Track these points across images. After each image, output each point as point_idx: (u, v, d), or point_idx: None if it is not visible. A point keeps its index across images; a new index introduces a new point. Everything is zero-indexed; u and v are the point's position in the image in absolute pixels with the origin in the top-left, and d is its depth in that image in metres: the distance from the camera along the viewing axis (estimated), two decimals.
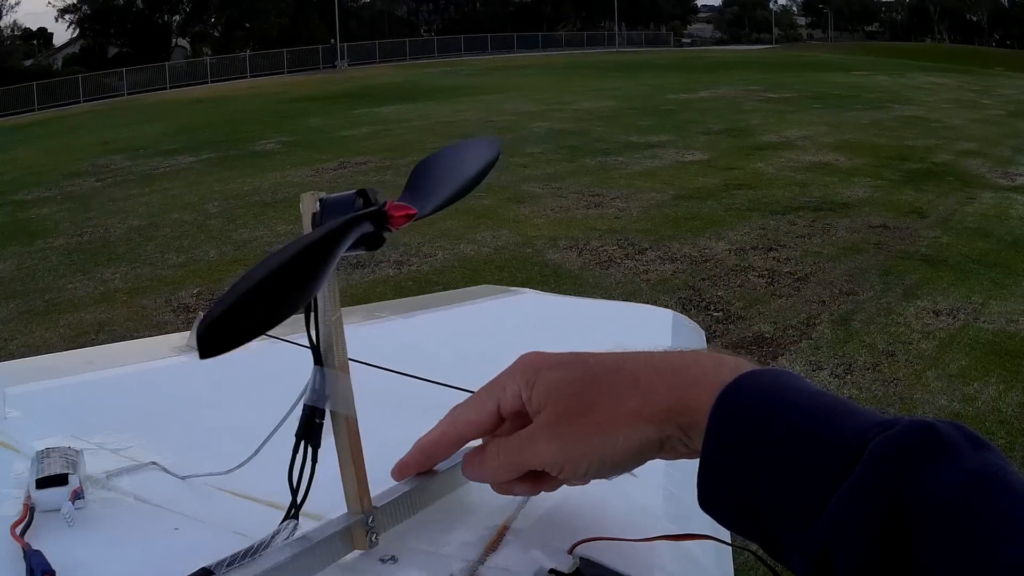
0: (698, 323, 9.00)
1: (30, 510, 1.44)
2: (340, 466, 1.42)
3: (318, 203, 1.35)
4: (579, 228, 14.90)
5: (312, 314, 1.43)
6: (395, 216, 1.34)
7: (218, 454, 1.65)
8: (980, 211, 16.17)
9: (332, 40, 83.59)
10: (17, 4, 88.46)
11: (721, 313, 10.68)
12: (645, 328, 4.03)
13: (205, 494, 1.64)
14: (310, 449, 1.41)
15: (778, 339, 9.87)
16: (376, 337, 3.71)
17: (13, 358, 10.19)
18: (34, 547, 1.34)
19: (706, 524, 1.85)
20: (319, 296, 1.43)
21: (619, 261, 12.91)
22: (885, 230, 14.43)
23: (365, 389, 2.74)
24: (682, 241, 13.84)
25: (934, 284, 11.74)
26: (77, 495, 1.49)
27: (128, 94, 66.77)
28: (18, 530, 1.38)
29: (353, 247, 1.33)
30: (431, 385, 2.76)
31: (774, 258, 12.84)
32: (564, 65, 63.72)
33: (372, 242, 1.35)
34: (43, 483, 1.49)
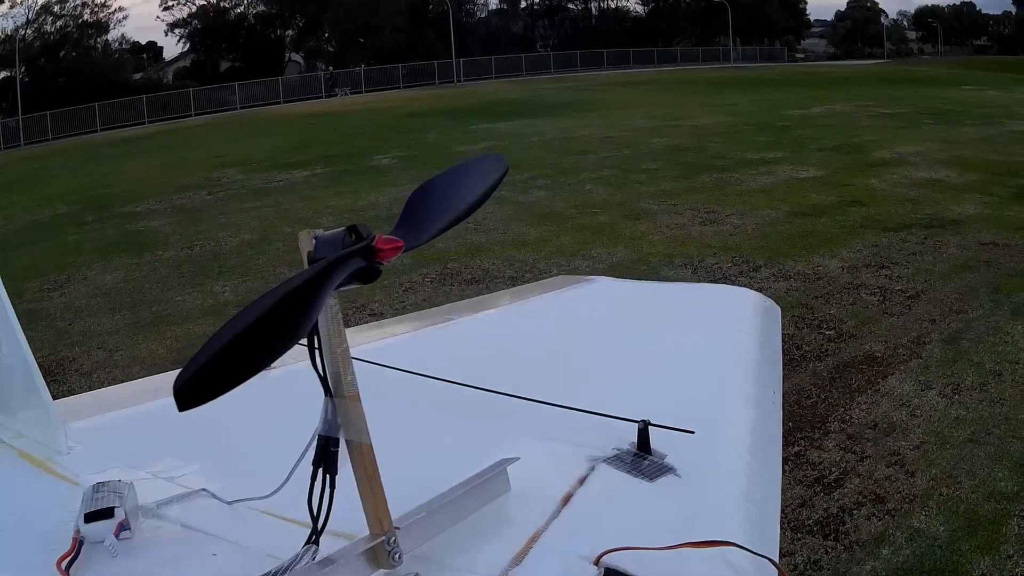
0: (810, 342, 9.39)
1: (78, 543, 1.63)
2: (359, 490, 1.62)
3: (313, 240, 1.57)
4: (694, 245, 15.18)
5: (317, 348, 1.66)
6: (384, 250, 1.55)
7: (265, 475, 1.86)
8: None
9: (449, 55, 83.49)
10: (125, 18, 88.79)
11: (833, 331, 10.90)
12: (723, 309, 4.31)
13: (248, 518, 1.83)
14: (328, 476, 1.62)
15: (888, 358, 10.06)
16: (448, 338, 4.03)
17: (118, 368, 10.51)
18: None
19: (727, 531, 2.06)
20: (322, 331, 1.68)
21: (733, 278, 13.14)
22: (995, 247, 14.53)
23: (420, 399, 3.10)
24: (796, 259, 14.07)
25: None
26: (122, 527, 1.68)
27: (241, 108, 67.33)
28: (64, 564, 1.55)
29: (347, 283, 1.54)
30: (488, 391, 2.95)
31: (886, 276, 13.03)
32: (680, 80, 63.32)
33: (367, 275, 1.57)
34: (91, 517, 1.67)
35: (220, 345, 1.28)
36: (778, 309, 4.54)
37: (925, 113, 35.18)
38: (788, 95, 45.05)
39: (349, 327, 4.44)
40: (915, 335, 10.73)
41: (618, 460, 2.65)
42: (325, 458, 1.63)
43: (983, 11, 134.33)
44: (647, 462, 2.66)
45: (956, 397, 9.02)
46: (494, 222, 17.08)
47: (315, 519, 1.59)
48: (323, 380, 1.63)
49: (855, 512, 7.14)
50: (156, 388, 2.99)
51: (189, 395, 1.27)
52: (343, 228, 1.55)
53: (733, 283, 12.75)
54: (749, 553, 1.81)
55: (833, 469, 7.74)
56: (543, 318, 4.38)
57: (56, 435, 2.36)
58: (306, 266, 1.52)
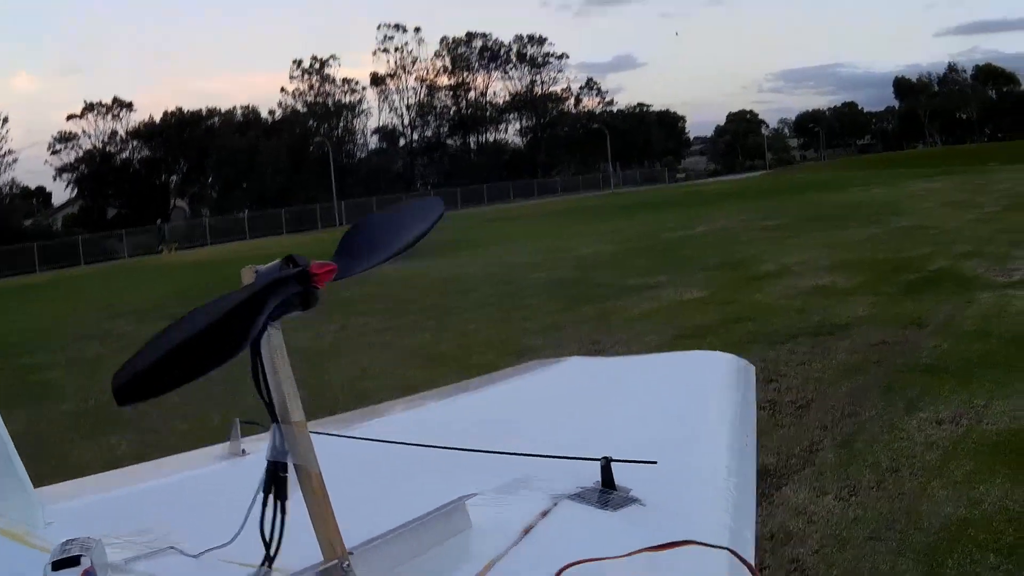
0: None
1: None
2: (310, 515, 1.58)
3: (254, 274, 1.59)
4: None
5: (260, 374, 1.66)
6: (318, 274, 1.63)
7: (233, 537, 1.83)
8: (979, 312, 16.42)
9: (330, 198, 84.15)
10: (15, 161, 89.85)
11: None
12: (696, 372, 4.27)
13: (216, 569, 1.82)
14: (278, 501, 1.62)
15: (780, 470, 9.83)
16: (420, 418, 3.99)
17: None
18: None
19: (683, 531, 2.03)
20: (265, 359, 1.66)
21: None
22: (885, 346, 14.53)
23: (385, 463, 3.11)
24: None
25: (935, 393, 11.75)
26: (88, 573, 1.63)
27: (129, 256, 67.93)
28: None
29: (287, 309, 1.59)
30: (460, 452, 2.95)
31: (775, 389, 12.81)
32: (561, 211, 64.20)
33: (305, 301, 1.60)
34: (58, 565, 1.64)
35: (158, 355, 1.38)
36: (752, 368, 4.64)
37: (809, 220, 36.02)
38: (670, 216, 45.79)
39: (320, 418, 4.23)
40: (807, 443, 10.54)
41: (581, 495, 2.67)
42: (275, 483, 1.64)
43: (865, 109, 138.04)
44: (612, 496, 2.67)
45: (853, 499, 8.85)
46: (380, 366, 16.95)
47: (267, 544, 1.62)
48: (268, 406, 1.65)
49: None
50: (136, 478, 3.23)
51: (127, 394, 1.37)
52: (279, 259, 1.60)
53: None
54: (709, 548, 1.83)
55: None
56: (516, 396, 4.49)
57: (34, 512, 2.47)
58: None
